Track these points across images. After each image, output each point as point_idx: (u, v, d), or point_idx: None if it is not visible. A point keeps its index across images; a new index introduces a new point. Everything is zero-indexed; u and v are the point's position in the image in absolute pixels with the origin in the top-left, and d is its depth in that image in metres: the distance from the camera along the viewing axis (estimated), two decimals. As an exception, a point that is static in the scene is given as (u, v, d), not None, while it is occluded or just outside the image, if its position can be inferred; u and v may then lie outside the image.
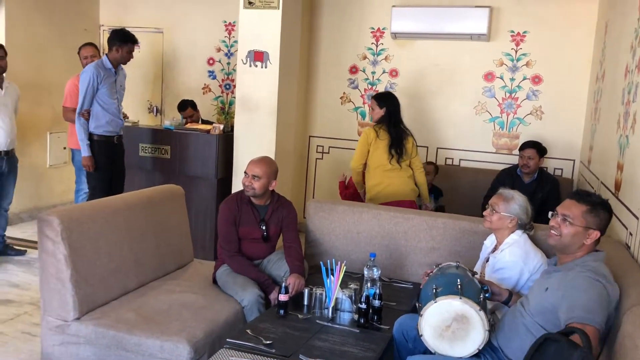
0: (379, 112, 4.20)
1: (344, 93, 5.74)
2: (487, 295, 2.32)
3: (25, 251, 4.88)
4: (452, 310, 2.13)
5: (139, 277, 3.10)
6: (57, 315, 2.68)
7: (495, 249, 2.80)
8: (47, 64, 5.85)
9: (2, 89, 4.55)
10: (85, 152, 4.41)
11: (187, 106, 5.73)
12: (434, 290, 2.19)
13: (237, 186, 4.80)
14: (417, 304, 2.35)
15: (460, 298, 2.12)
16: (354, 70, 5.70)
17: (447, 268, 2.43)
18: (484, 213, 2.83)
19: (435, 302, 2.15)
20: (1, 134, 4.50)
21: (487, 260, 2.79)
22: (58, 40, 5.97)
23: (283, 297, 2.69)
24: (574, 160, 5.16)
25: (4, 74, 4.55)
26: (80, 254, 2.72)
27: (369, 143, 4.12)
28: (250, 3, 4.70)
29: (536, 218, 2.88)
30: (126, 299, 2.91)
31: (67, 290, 2.65)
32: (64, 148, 6.06)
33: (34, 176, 5.86)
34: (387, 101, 4.25)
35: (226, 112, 6.21)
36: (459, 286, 2.19)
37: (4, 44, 5.02)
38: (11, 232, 5.08)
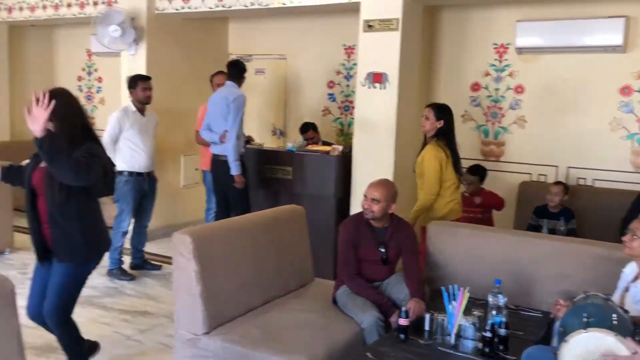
0: (435, 124, 3.92)
1: (466, 111, 5.60)
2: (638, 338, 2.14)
3: (161, 266, 5.25)
4: (603, 345, 1.98)
5: (262, 294, 3.21)
6: (188, 329, 2.85)
7: (636, 277, 2.57)
8: (181, 92, 6.30)
9: (144, 116, 4.99)
10: (237, 170, 4.71)
11: (308, 128, 5.89)
12: (586, 320, 2.06)
13: (355, 206, 4.84)
14: (560, 329, 2.21)
15: (616, 335, 1.97)
16: (475, 87, 5.55)
17: (594, 297, 2.27)
18: (623, 239, 2.61)
19: (586, 332, 2.02)
20: (143, 157, 4.92)
21: (627, 290, 2.57)
22: (191, 69, 6.41)
23: (403, 322, 2.65)
24: None
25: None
26: (209, 270, 2.88)
27: (441, 164, 3.87)
28: (369, 26, 4.76)
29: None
30: (251, 316, 3.02)
31: (198, 306, 2.80)
32: (196, 169, 6.47)
33: (169, 195, 6.31)
34: (445, 113, 4.00)
35: (345, 133, 6.30)
36: (615, 321, 2.04)
37: (146, 74, 5.50)
38: (148, 247, 5.48)
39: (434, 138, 3.93)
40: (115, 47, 5.88)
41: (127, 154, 4.87)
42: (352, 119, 5.68)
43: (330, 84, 6.37)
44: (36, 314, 2.91)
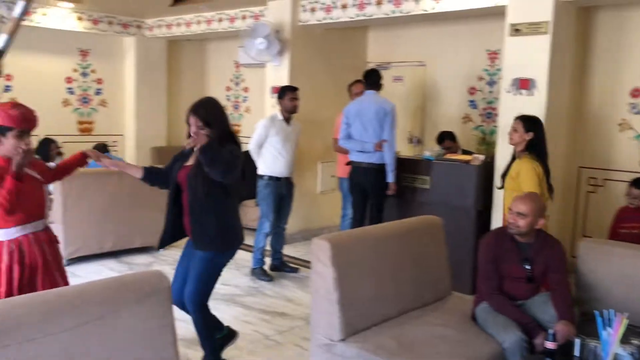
0: (524, 136, 3.75)
1: (623, 120, 5.14)
2: None
3: (298, 269, 5.41)
4: None
5: (398, 305, 3.17)
6: (325, 334, 2.90)
7: None
8: (320, 100, 6.45)
9: (289, 125, 5.20)
10: (394, 178, 4.96)
11: (444, 139, 5.76)
12: None
13: (497, 219, 4.63)
14: None
15: None
16: (636, 93, 5.07)
17: None
18: None
19: None
20: (284, 163, 5.14)
21: None
22: (330, 78, 6.55)
23: (550, 345, 2.48)
24: None
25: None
26: (347, 278, 2.90)
27: (539, 177, 3.68)
28: (516, 30, 4.54)
29: None
30: (387, 326, 3.00)
31: (335, 312, 2.84)
32: (332, 176, 6.59)
33: (307, 201, 6.48)
34: (535, 125, 3.78)
35: (487, 142, 6.07)
36: None
37: (289, 84, 5.71)
38: (286, 250, 5.68)
39: (525, 152, 3.79)
40: (261, 59, 6.17)
41: (269, 160, 5.12)
42: (495, 126, 5.46)
43: (472, 91, 6.18)
44: (178, 299, 3.15)
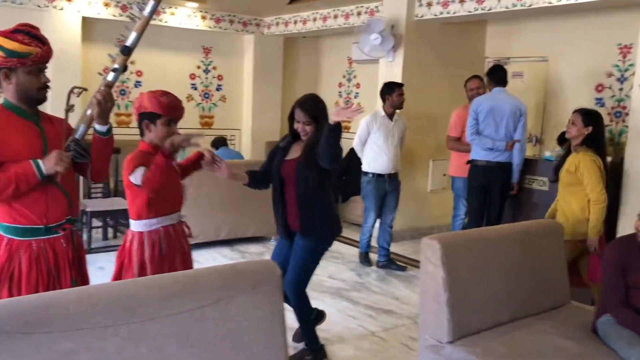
0: (582, 130, 3.62)
1: None
2: None
3: (406, 267, 5.35)
4: None
5: (511, 311, 3.04)
6: (432, 335, 2.84)
7: None
8: (433, 97, 6.32)
9: (392, 121, 5.19)
10: (518, 178, 4.96)
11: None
12: None
13: (624, 225, 4.30)
14: None
15: None
16: None
17: None
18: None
19: None
20: (385, 160, 5.15)
21: None
22: (445, 74, 6.40)
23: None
24: None
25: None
26: (457, 279, 2.82)
27: (601, 171, 3.57)
28: (654, 22, 4.18)
29: None
30: (497, 331, 2.88)
31: (444, 313, 2.77)
32: (444, 175, 6.44)
33: (416, 199, 6.39)
34: (594, 119, 3.62)
35: (615, 143, 5.64)
36: None
37: (401, 81, 5.66)
38: (393, 247, 5.63)
39: (582, 146, 3.70)
40: (375, 55, 6.16)
41: (371, 157, 5.19)
42: (625, 126, 5.06)
43: (599, 88, 5.76)
44: None
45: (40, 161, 2.24)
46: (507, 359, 2.59)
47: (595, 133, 3.69)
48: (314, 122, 3.15)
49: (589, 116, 3.72)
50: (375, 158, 5.16)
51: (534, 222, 3.48)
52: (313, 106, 3.21)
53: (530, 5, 5.08)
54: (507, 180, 4.90)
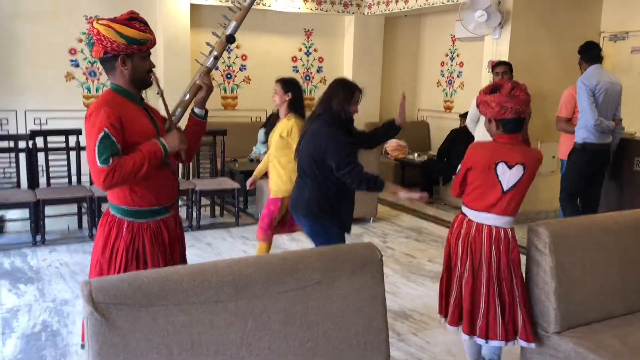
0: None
1: None
2: None
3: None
4: None
5: (625, 303, 2.87)
6: (539, 325, 2.74)
7: None
8: (543, 74, 6.01)
9: None
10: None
11: None
12: None
13: None
14: None
15: None
16: None
17: None
18: None
19: None
20: None
21: None
22: (556, 50, 6.05)
23: None
24: None
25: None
26: (565, 268, 2.70)
27: None
28: None
29: None
30: (610, 324, 2.73)
31: (551, 303, 2.66)
32: (553, 157, 6.12)
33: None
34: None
35: None
36: None
37: (507, 59, 5.45)
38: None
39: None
40: (480, 32, 5.94)
41: (482, 136, 5.01)
42: None
43: None
44: None
45: (164, 140, 2.37)
46: (620, 353, 2.45)
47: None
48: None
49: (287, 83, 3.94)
50: (486, 137, 5.09)
51: (654, 210, 3.23)
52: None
53: (654, -27, 4.67)
54: (609, 163, 4.91)
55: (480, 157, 2.81)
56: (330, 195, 3.26)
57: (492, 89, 2.77)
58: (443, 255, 3.02)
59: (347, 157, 3.12)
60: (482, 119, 5.02)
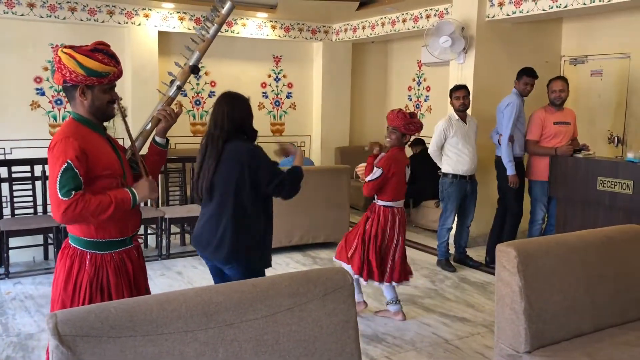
0: None
1: None
2: None
3: (482, 264, 5.50)
4: None
5: (594, 320, 2.90)
6: (509, 345, 2.75)
7: None
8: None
9: (466, 123, 5.27)
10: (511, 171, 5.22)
11: None
12: None
13: None
14: None
15: None
16: None
17: None
18: None
19: None
20: (467, 161, 5.25)
21: None
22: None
23: None
24: None
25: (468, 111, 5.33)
26: (534, 287, 2.73)
27: None
28: None
29: None
30: (579, 342, 2.76)
31: (521, 322, 2.68)
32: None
33: (490, 204, 6.20)
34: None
35: None
36: None
37: (471, 84, 5.59)
38: (469, 253, 5.57)
39: None
40: (445, 57, 6.07)
41: (453, 158, 5.26)
42: None
43: (687, 84, 5.43)
44: None
45: (135, 189, 2.34)
46: (593, 372, 2.48)
47: None
48: None
49: None
50: (457, 160, 5.26)
51: (616, 228, 3.30)
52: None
53: (610, 1, 4.86)
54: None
55: None
56: (254, 230, 2.99)
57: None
58: (416, 278, 3.03)
59: (274, 164, 2.98)
60: (448, 144, 5.20)
